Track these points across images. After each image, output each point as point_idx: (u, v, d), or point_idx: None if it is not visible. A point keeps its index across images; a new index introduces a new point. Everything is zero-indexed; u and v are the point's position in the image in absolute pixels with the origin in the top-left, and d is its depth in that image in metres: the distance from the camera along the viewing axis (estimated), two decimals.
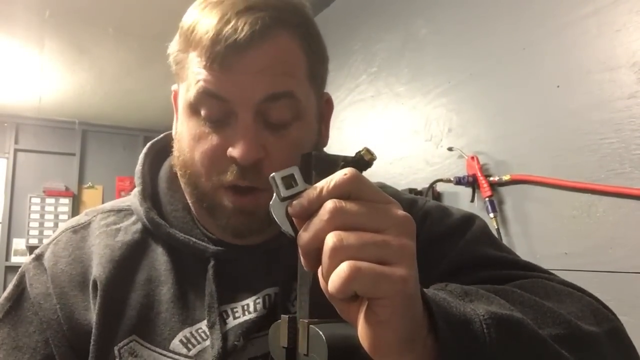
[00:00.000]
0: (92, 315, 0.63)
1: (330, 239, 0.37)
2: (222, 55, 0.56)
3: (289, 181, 0.40)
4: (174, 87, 0.68)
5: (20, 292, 0.66)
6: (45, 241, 0.72)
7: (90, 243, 0.68)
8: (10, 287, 0.68)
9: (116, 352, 0.61)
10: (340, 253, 0.36)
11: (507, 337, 0.42)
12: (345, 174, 0.39)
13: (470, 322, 0.42)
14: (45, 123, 5.05)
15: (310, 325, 0.41)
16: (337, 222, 0.37)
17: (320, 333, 0.40)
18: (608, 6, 1.29)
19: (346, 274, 0.35)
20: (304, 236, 0.38)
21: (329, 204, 0.38)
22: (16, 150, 5.07)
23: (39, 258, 0.68)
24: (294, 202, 0.39)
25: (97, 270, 0.64)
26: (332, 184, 0.39)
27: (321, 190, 0.39)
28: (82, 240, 0.69)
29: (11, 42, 3.26)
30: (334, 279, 0.36)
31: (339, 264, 0.36)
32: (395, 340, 0.37)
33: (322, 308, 0.42)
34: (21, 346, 0.63)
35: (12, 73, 3.82)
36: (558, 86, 1.41)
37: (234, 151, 0.57)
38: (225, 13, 0.57)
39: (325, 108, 0.70)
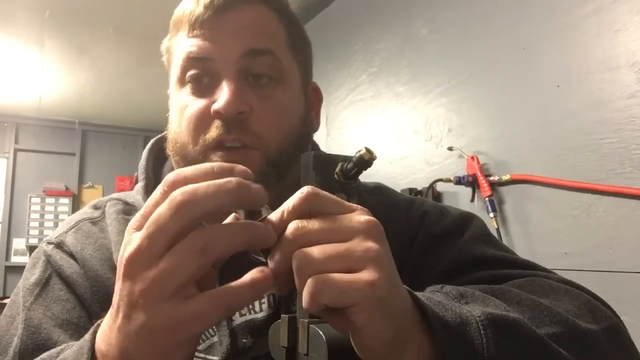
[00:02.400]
0: None
1: (295, 259, 0.37)
2: (201, 18, 0.61)
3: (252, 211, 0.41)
4: (169, 91, 0.69)
5: (49, 276, 0.64)
6: (57, 231, 0.69)
7: (109, 232, 0.67)
8: (33, 274, 0.64)
9: None
10: (306, 270, 0.37)
11: (504, 337, 0.42)
12: (302, 193, 0.39)
13: (466, 324, 0.42)
14: (45, 123, 5.05)
15: (310, 325, 0.41)
16: (301, 241, 0.38)
17: (320, 333, 0.40)
18: (608, 6, 1.29)
19: (312, 289, 0.36)
20: (274, 260, 0.39)
21: (291, 226, 0.38)
22: (16, 150, 5.07)
23: (59, 245, 0.66)
24: None
25: (114, 256, 0.64)
26: (290, 205, 0.39)
27: (282, 214, 0.39)
28: (102, 231, 0.68)
29: (11, 42, 3.26)
30: (304, 295, 0.37)
31: (307, 280, 0.37)
32: (377, 344, 0.38)
33: None
34: (61, 323, 0.60)
35: (12, 73, 3.82)
36: (558, 86, 1.41)
37: (216, 104, 0.59)
38: None
39: (313, 95, 0.72)
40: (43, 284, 0.64)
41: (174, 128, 0.65)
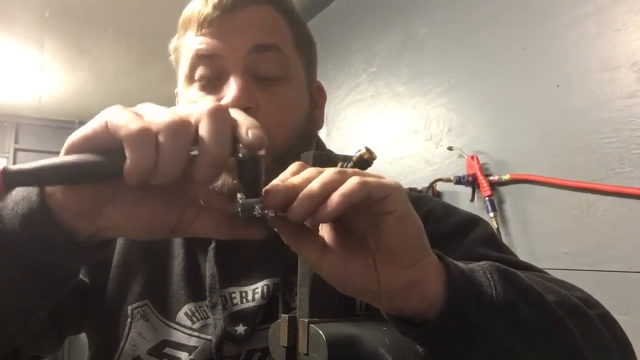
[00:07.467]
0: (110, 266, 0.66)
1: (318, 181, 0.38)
2: (210, 17, 0.62)
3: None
4: (176, 90, 0.70)
5: None
6: None
7: None
8: None
9: (129, 311, 0.63)
10: (330, 186, 0.37)
11: (507, 283, 0.45)
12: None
13: (474, 271, 0.45)
14: (45, 123, 5.04)
15: (311, 325, 0.41)
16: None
17: (320, 332, 0.40)
18: (607, 6, 1.29)
19: (345, 189, 0.36)
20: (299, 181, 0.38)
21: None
22: (16, 150, 5.07)
23: None
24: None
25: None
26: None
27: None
28: None
29: (11, 42, 3.25)
30: (334, 198, 0.36)
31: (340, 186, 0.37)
32: (415, 230, 0.39)
33: (323, 307, 0.43)
34: None
35: (12, 73, 3.81)
36: (558, 86, 1.41)
37: (224, 100, 0.60)
38: None
39: (317, 94, 0.74)
40: None
41: None
